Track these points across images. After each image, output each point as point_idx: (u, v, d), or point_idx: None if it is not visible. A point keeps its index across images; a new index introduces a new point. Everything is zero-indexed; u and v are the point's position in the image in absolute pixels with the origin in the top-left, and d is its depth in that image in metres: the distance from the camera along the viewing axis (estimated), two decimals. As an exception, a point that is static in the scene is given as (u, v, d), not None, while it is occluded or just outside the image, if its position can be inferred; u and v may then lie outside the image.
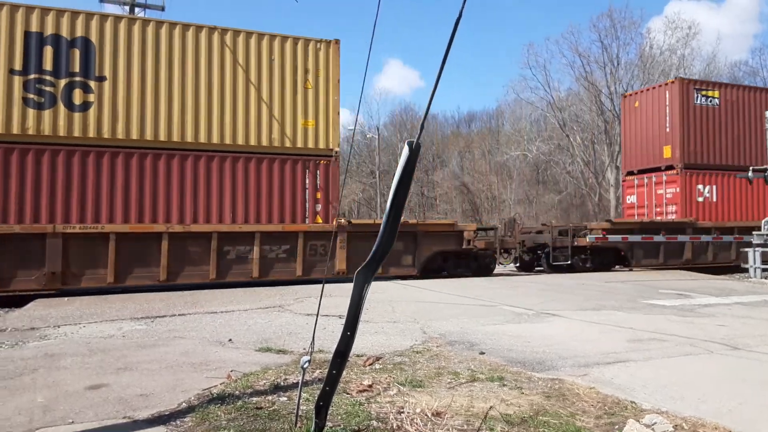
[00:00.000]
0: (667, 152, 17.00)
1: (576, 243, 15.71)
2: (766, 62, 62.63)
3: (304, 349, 5.47)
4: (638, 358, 5.08)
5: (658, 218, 17.13)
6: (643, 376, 4.46)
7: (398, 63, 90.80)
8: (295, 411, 3.30)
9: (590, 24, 60.91)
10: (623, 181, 19.34)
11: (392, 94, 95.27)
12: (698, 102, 16.92)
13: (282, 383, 4.20)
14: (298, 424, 3.16)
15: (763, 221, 15.38)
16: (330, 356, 2.98)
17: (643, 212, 17.85)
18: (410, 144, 2.64)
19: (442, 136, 58.88)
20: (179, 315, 7.83)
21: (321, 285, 3.72)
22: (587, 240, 15.59)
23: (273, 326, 6.88)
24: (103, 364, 4.92)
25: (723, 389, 4.13)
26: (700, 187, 16.76)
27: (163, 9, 23.96)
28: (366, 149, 55.60)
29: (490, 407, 3.54)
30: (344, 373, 4.39)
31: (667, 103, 17.00)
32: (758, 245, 14.83)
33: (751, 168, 15.73)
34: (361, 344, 5.62)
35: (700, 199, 16.72)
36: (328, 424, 3.14)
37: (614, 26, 40.55)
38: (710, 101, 17.07)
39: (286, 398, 3.83)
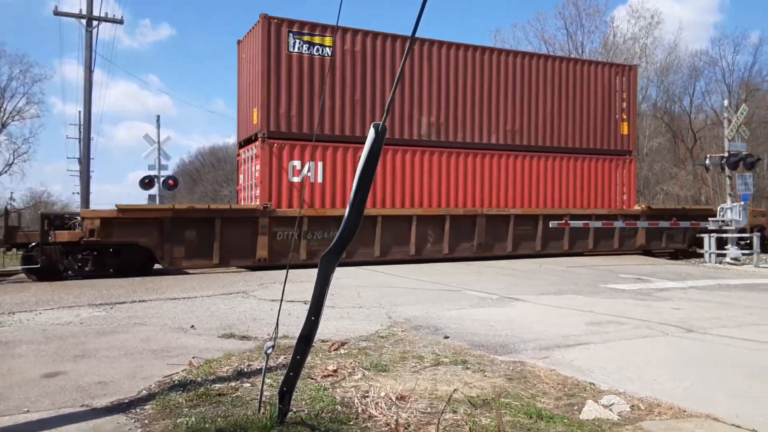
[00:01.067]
0: (255, 117, 13.09)
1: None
2: (725, 52, 64.31)
3: (269, 335, 5.42)
4: (597, 341, 5.20)
5: (243, 204, 13.86)
6: (602, 358, 4.58)
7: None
8: (258, 397, 3.27)
9: (556, 11, 61.41)
10: (237, 155, 14.87)
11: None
12: (296, 50, 12.87)
13: (245, 369, 4.16)
14: (262, 410, 3.14)
15: (718, 207, 15.90)
16: (294, 342, 2.96)
17: (243, 195, 14.21)
18: (376, 126, 2.62)
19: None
20: (140, 301, 7.67)
21: (286, 270, 3.69)
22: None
23: (236, 312, 6.80)
24: (60, 352, 4.79)
25: (678, 370, 4.27)
26: (296, 163, 12.78)
27: (122, 22, 23.41)
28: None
29: (454, 390, 3.58)
30: (309, 358, 4.39)
31: (259, 51, 12.76)
32: (713, 231, 15.34)
33: (708, 156, 16.24)
34: (326, 329, 5.61)
35: (296, 179, 12.72)
36: (292, 409, 3.13)
37: (579, 14, 41.02)
38: (318, 50, 13.08)
39: (249, 384, 3.80)
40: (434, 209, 14.07)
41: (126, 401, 3.51)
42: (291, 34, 12.90)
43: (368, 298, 7.84)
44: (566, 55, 16.06)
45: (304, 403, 3.39)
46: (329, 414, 3.19)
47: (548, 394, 3.66)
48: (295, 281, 8.85)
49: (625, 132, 16.59)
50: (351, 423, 3.07)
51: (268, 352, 3.14)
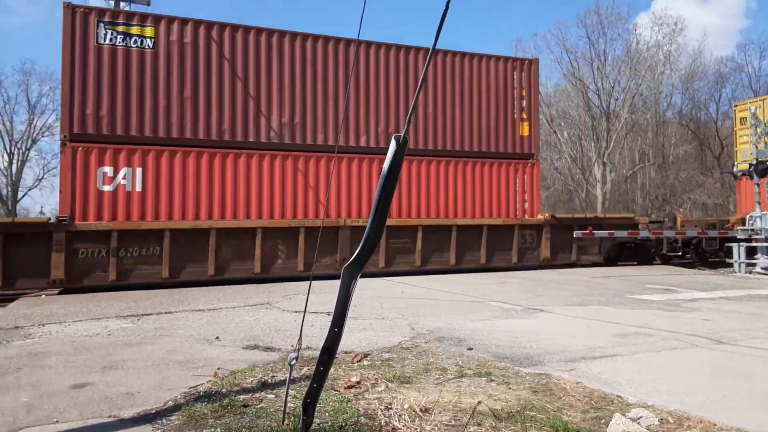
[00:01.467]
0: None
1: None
2: (751, 58, 63.21)
3: (292, 346, 5.45)
4: (624, 353, 5.12)
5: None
6: (629, 371, 4.50)
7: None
8: (282, 408, 3.29)
9: (577, 20, 61.13)
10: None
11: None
12: (107, 41, 11.50)
13: (269, 380, 4.18)
14: (286, 422, 3.15)
15: (747, 215, 15.56)
16: (318, 353, 2.97)
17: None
18: (397, 138, 2.64)
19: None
20: (166, 313, 7.77)
21: (309, 282, 3.72)
22: None
23: (260, 323, 6.85)
24: (89, 363, 4.87)
25: (707, 382, 4.17)
26: (108, 170, 11.34)
27: (148, 3, 23.80)
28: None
29: (478, 402, 3.55)
30: (332, 369, 4.39)
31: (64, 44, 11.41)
32: (743, 240, 15.00)
33: (735, 163, 15.94)
34: (349, 341, 5.62)
35: (106, 188, 11.31)
36: (316, 420, 3.14)
37: (601, 22, 40.77)
38: (137, 42, 11.68)
39: (273, 396, 3.81)
40: (285, 220, 12.51)
41: (152, 412, 3.56)
42: (101, 24, 11.39)
43: (391, 309, 7.83)
44: (458, 50, 14.73)
45: (327, 414, 3.39)
46: (352, 426, 3.19)
47: (574, 407, 3.61)
48: (318, 293, 8.89)
49: (526, 133, 15.14)
50: (375, 435, 3.07)
51: (292, 363, 3.16)
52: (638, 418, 3.34)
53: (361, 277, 2.79)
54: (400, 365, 4.67)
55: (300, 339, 3.27)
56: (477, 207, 14.46)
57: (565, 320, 7.00)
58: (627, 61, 39.71)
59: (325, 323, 6.38)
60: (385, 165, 2.66)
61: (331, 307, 2.91)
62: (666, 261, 17.12)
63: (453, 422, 3.27)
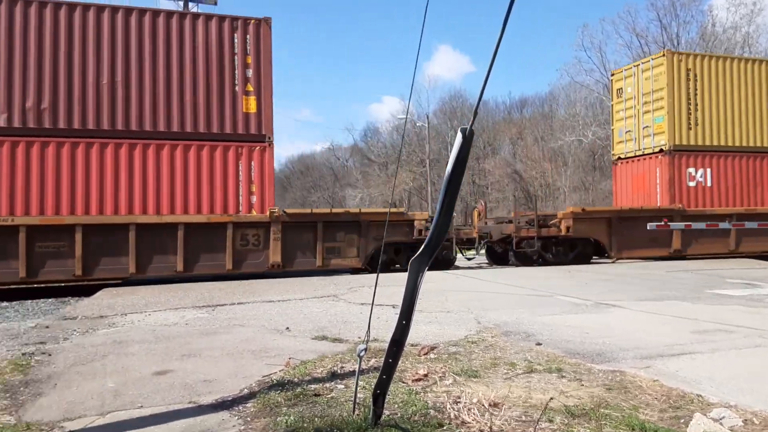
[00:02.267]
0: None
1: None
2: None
3: (359, 337, 5.53)
4: (704, 350, 4.88)
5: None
6: (710, 369, 4.29)
7: (448, 49, 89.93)
8: (352, 398, 3.35)
9: (648, 3, 58.39)
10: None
11: (442, 81, 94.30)
12: None
13: (339, 371, 4.26)
14: (356, 412, 3.21)
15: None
16: (384, 345, 3.01)
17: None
18: (463, 131, 2.61)
19: (494, 123, 57.96)
20: (238, 303, 8.06)
21: (377, 275, 3.76)
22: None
23: (328, 315, 6.98)
24: (168, 351, 5.13)
25: (798, 384, 3.93)
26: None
27: (215, 3, 24.54)
28: (416, 138, 55.38)
29: (550, 399, 3.49)
30: (400, 362, 4.43)
31: None
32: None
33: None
34: (415, 334, 5.64)
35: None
36: (386, 412, 3.18)
37: (673, 5, 38.86)
38: None
39: (343, 386, 3.89)
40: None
41: (229, 399, 3.71)
42: None
43: (456, 303, 7.80)
44: (160, 8, 12.30)
45: (396, 406, 3.43)
46: (422, 418, 3.21)
47: (651, 406, 3.48)
48: (383, 285, 8.95)
49: (252, 110, 12.21)
50: (444, 428, 3.07)
51: (361, 354, 3.21)
52: (720, 419, 3.19)
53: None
54: (468, 359, 4.65)
55: (368, 331, 3.31)
56: (177, 200, 11.74)
57: (638, 316, 6.76)
58: (702, 45, 37.65)
59: (390, 316, 6.44)
60: (451, 159, 2.65)
61: (396, 299, 2.93)
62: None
63: (523, 418, 3.23)
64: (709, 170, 15.49)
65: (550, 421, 3.16)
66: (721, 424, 3.13)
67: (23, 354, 5.11)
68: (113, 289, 10.48)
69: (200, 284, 10.81)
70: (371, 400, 3.06)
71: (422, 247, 2.80)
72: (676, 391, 3.73)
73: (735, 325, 5.98)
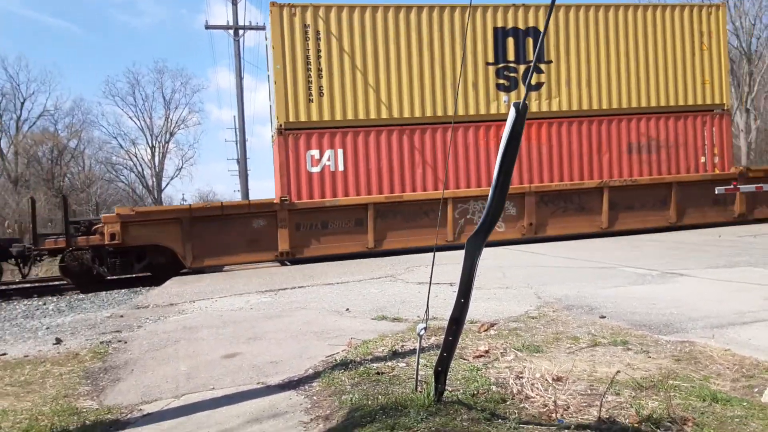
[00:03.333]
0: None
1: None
2: None
3: (418, 316, 5.57)
4: (780, 318, 4.66)
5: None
6: (788, 337, 4.10)
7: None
8: (414, 376, 3.39)
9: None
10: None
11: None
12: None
13: (399, 350, 4.32)
14: (419, 389, 3.25)
15: None
16: (443, 323, 3.03)
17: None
18: (516, 105, 2.56)
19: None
20: (299, 287, 8.26)
21: (432, 254, 3.77)
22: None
23: (386, 295, 7.06)
24: (236, 335, 5.33)
25: None
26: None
27: (263, 28, 24.99)
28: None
29: (617, 372, 3.43)
30: (459, 339, 4.44)
31: None
32: None
33: None
34: (474, 311, 5.63)
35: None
36: (448, 388, 3.20)
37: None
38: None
39: (404, 364, 3.94)
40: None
41: (295, 379, 3.83)
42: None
43: (514, 278, 7.72)
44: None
45: (458, 383, 3.45)
46: (484, 394, 3.22)
47: (723, 376, 3.37)
48: (439, 264, 8.95)
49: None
50: (507, 403, 3.08)
51: (421, 333, 3.24)
52: (800, 389, 3.05)
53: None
54: (529, 334, 4.61)
55: (427, 310, 3.33)
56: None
57: (708, 284, 6.50)
58: (771, -6, 35.16)
59: (447, 294, 6.44)
60: (505, 134, 2.60)
61: (453, 278, 2.94)
62: None
63: (588, 391, 3.19)
64: (341, 151, 12.47)
65: (617, 394, 3.11)
66: (800, 393, 3.00)
67: (101, 342, 5.43)
68: (180, 278, 10.94)
69: (262, 269, 11.12)
70: (433, 377, 3.09)
71: (478, 225, 2.79)
72: (749, 360, 3.59)
73: (814, 290, 5.67)
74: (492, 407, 3.01)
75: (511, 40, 13.22)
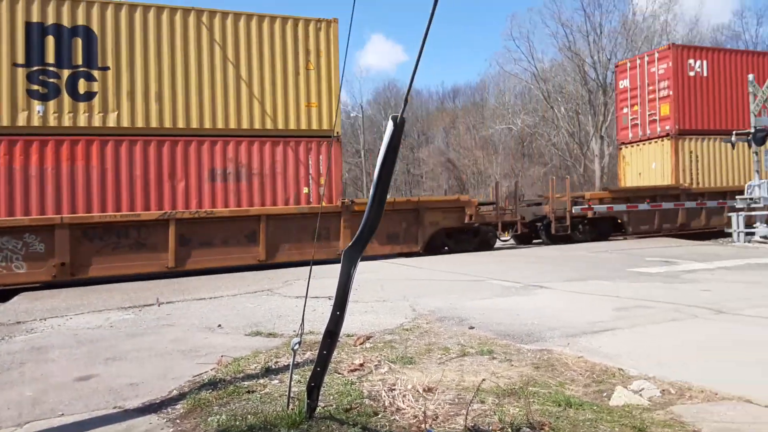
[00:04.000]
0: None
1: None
2: (748, 25, 62.59)
3: (294, 331, 5.47)
4: (625, 326, 5.14)
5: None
6: (630, 343, 4.52)
7: (381, 38, 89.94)
8: (287, 393, 3.30)
9: (572, -7, 60.41)
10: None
11: (375, 70, 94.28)
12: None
13: (273, 366, 4.20)
14: (291, 406, 3.17)
15: (746, 185, 15.57)
16: (320, 337, 2.98)
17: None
18: (394, 119, 2.61)
19: (427, 113, 58.69)
20: (167, 303, 7.79)
21: (310, 267, 3.72)
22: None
23: (262, 310, 6.87)
24: (92, 355, 4.89)
25: (709, 353, 4.20)
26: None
27: None
28: (350, 129, 55.25)
29: (482, 380, 3.57)
30: (335, 353, 4.40)
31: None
32: (741, 209, 15.02)
33: (734, 132, 15.82)
34: (351, 324, 5.64)
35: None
36: (321, 404, 3.16)
37: (597, -7, 40.35)
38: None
39: (277, 381, 3.83)
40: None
41: (157, 401, 3.57)
42: None
43: (392, 291, 7.85)
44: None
45: (332, 397, 3.41)
46: (357, 408, 3.21)
47: (576, 382, 3.63)
48: (319, 278, 8.90)
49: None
50: (379, 416, 3.09)
51: (295, 348, 3.17)
52: (640, 390, 3.37)
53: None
54: (403, 346, 4.69)
55: (302, 324, 3.27)
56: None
57: (565, 296, 7.03)
58: (623, 33, 39.44)
59: (326, 308, 6.40)
60: (382, 147, 2.64)
61: (332, 291, 2.91)
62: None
63: (456, 400, 3.29)
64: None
65: (482, 402, 3.24)
66: (640, 395, 3.31)
67: (-71, 367, 4.74)
68: (31, 293, 9.89)
69: (126, 284, 10.37)
70: (306, 393, 3.03)
71: (355, 237, 2.79)
72: (599, 366, 3.90)
73: (653, 300, 6.33)
74: (364, 421, 3.01)
75: (51, 39, 10.68)
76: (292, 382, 3.33)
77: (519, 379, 3.66)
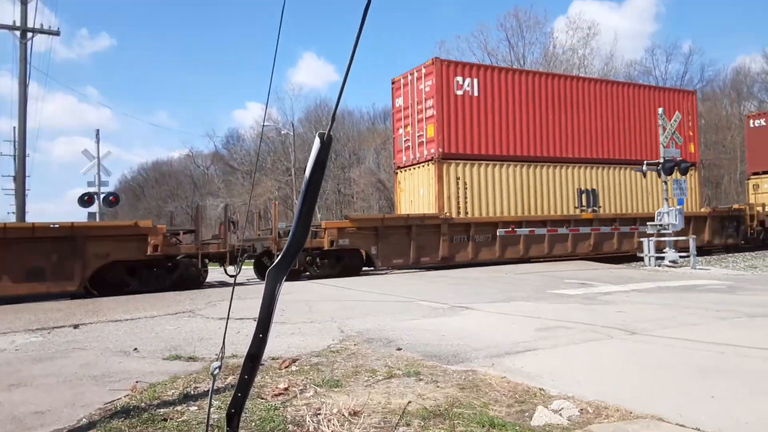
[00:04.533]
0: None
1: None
2: (658, 62, 67.34)
3: (216, 355, 5.27)
4: (546, 346, 5.30)
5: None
6: (551, 363, 4.66)
7: (312, 56, 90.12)
8: (205, 420, 3.15)
9: (497, 23, 63.03)
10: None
11: (307, 88, 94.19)
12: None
13: (192, 392, 4.02)
14: (209, 434, 3.03)
15: (656, 212, 16.57)
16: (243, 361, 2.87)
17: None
18: (321, 136, 2.58)
19: (359, 133, 59.08)
20: (80, 325, 7.33)
21: (232, 288, 3.59)
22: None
23: (182, 333, 6.59)
24: (-9, 382, 4.50)
25: (623, 372, 4.38)
26: None
27: (58, 33, 22.79)
28: (281, 146, 54.77)
29: (408, 403, 3.56)
30: (259, 377, 4.28)
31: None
32: (652, 235, 15.97)
33: (645, 162, 16.83)
34: (277, 346, 5.50)
35: None
36: (241, 431, 3.03)
37: (520, 26, 42.44)
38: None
39: (196, 407, 3.66)
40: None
41: (64, 431, 3.33)
42: None
43: (320, 312, 7.75)
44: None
45: (254, 424, 3.30)
46: (280, 434, 3.11)
47: (500, 402, 3.69)
48: (244, 298, 8.68)
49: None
50: (303, 442, 3.00)
51: (215, 373, 3.03)
52: (560, 410, 3.46)
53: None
54: (330, 369, 4.61)
55: (223, 347, 3.15)
56: None
57: (489, 317, 7.18)
58: (545, 64, 41.44)
59: (251, 329, 6.19)
60: (309, 164, 2.60)
61: (258, 312, 2.82)
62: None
63: (382, 424, 3.26)
64: None
65: (408, 425, 3.22)
66: (560, 415, 3.39)
67: None
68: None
69: (35, 304, 9.70)
70: (225, 420, 2.90)
71: (280, 256, 2.72)
72: (521, 387, 3.99)
73: (572, 321, 6.57)
74: (287, 448, 2.91)
75: None
76: (212, 409, 3.19)
77: (445, 401, 3.68)
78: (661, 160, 16.34)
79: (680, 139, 17.11)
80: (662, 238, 15.89)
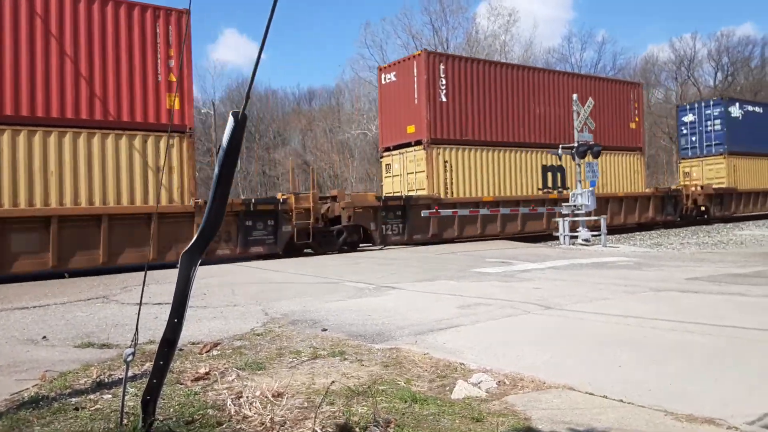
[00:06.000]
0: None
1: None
2: (574, 49, 70.17)
3: (132, 341, 5.06)
4: (467, 323, 5.46)
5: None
6: (471, 339, 4.81)
7: (234, 32, 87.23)
8: (120, 408, 3.03)
9: (422, 7, 63.57)
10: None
11: (230, 66, 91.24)
12: None
13: (106, 380, 3.85)
14: (125, 422, 2.91)
15: (570, 193, 17.37)
16: (159, 346, 2.77)
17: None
18: (235, 115, 2.50)
19: (283, 114, 58.05)
20: (-20, 314, 6.83)
21: (148, 272, 3.44)
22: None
23: (95, 319, 6.28)
24: None
25: (538, 345, 4.59)
26: None
27: None
28: (201, 126, 52.88)
29: (332, 382, 3.57)
30: (179, 362, 4.16)
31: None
32: (566, 215, 16.75)
33: (560, 146, 17.56)
34: (198, 331, 5.36)
35: None
36: (159, 417, 2.94)
37: (444, 10, 42.84)
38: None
39: (110, 396, 3.51)
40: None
41: (-39, 428, 3.10)
42: None
43: (244, 296, 7.61)
44: None
45: (172, 410, 3.20)
46: (200, 419, 3.04)
47: (422, 378, 3.77)
48: (163, 282, 8.38)
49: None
50: (224, 426, 2.95)
51: (128, 359, 2.92)
52: (479, 383, 3.58)
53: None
54: (253, 352, 4.55)
55: (136, 332, 3.02)
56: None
57: (414, 296, 7.31)
58: (467, 49, 42.17)
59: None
60: (223, 145, 2.52)
61: (174, 296, 2.72)
62: None
63: (306, 404, 3.25)
64: None
65: (332, 404, 3.23)
66: (479, 387, 3.52)
67: None
68: None
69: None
70: (141, 407, 2.80)
71: (194, 239, 2.63)
72: (443, 362, 4.09)
73: (492, 298, 6.80)
74: (207, 432, 2.86)
75: None
76: (128, 396, 3.07)
77: (368, 379, 3.72)
78: (576, 144, 17.11)
79: (593, 124, 17.93)
80: (576, 218, 16.70)
